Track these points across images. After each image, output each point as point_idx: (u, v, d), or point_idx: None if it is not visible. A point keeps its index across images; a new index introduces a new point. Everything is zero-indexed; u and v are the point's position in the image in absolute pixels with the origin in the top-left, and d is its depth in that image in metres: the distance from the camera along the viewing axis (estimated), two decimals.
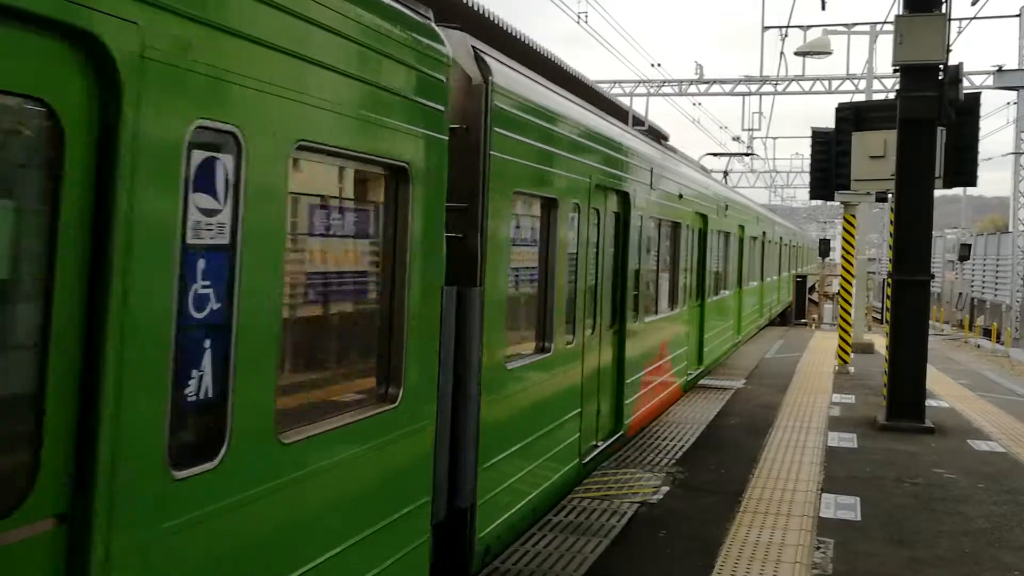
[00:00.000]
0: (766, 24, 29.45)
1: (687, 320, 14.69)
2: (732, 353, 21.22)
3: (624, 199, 10.12)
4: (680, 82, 33.39)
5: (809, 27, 28.20)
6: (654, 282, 12.23)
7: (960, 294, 44.00)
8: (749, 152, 29.35)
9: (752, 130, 39.59)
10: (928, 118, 12.74)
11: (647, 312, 11.50)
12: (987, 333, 34.59)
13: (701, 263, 15.88)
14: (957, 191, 52.22)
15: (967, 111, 13.68)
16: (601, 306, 9.36)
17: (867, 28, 27.87)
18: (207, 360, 3.50)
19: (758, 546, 7.47)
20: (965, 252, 38.51)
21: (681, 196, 13.49)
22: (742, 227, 22.50)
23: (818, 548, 7.56)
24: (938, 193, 13.68)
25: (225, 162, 3.55)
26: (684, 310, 14.39)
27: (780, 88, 32.24)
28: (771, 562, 7.10)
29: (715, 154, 28.02)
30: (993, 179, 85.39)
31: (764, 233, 27.62)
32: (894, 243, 13.35)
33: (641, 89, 32.26)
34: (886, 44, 17.13)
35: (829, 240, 41.45)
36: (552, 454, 7.96)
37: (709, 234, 16.33)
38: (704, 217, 15.79)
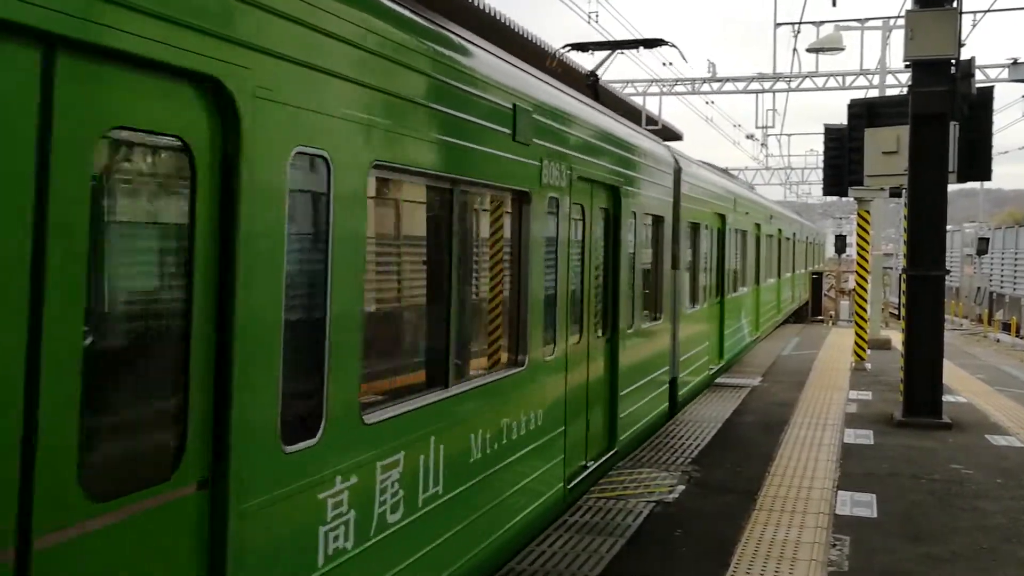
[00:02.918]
0: (778, 21, 29.25)
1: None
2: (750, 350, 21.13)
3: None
4: (693, 81, 33.34)
5: (822, 23, 28.06)
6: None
7: (978, 288, 43.74)
8: (652, 43, 14.16)
9: (766, 127, 39.52)
10: (940, 113, 12.70)
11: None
12: (1006, 327, 34.39)
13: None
14: (975, 185, 51.87)
15: (980, 105, 13.60)
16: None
17: (879, 23, 27.75)
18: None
19: (774, 544, 7.49)
20: (983, 246, 38.30)
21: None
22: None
23: (834, 545, 7.57)
24: (955, 187, 13.62)
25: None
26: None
27: (793, 85, 32.13)
28: (787, 560, 7.11)
29: (580, 47, 13.40)
30: (1011, 172, 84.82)
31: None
32: (908, 239, 13.31)
33: (654, 88, 32.23)
34: (899, 39, 17.09)
35: (845, 236, 41.33)
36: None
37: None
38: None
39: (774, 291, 27.28)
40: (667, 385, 12.34)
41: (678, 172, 12.83)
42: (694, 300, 14.40)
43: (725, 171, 21.78)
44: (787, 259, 31.12)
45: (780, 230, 28.15)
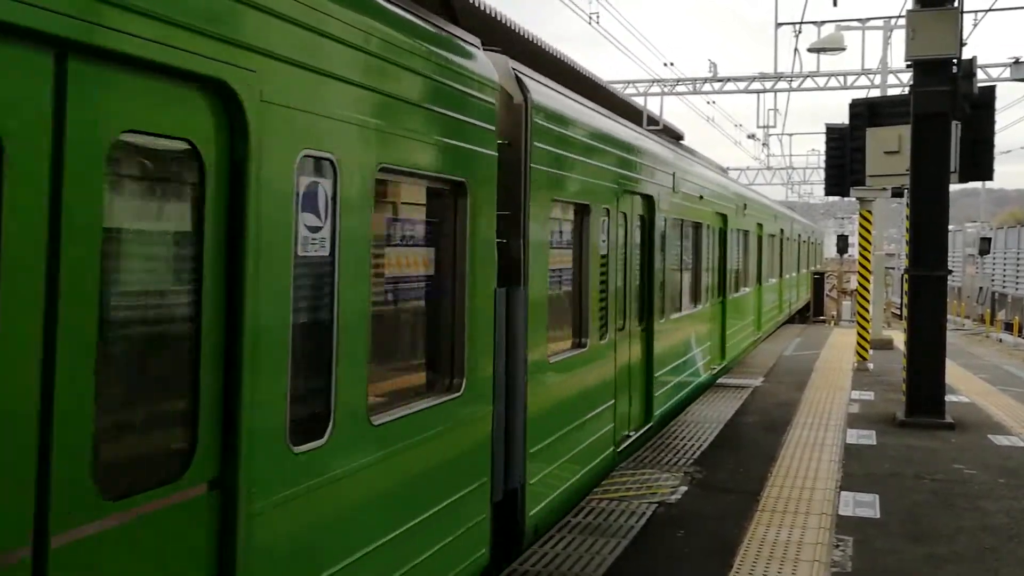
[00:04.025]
0: (780, 21, 29.23)
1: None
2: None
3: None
4: (694, 80, 33.33)
5: (823, 23, 28.04)
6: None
7: (980, 288, 43.73)
8: None
9: (768, 127, 39.50)
10: (942, 113, 12.69)
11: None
12: (1008, 327, 34.34)
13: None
14: (977, 184, 51.89)
15: (982, 105, 13.60)
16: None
17: (881, 23, 27.73)
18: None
19: (776, 545, 7.48)
20: (985, 246, 38.24)
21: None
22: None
23: (837, 546, 7.56)
24: (957, 186, 13.60)
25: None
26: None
27: (795, 85, 32.12)
28: (789, 561, 7.11)
29: None
30: (1013, 172, 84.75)
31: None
32: (910, 239, 13.30)
33: (655, 88, 32.21)
34: (900, 39, 17.05)
35: (847, 236, 41.31)
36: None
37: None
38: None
39: (752, 302, 21.32)
40: (484, 516, 6.31)
41: (523, 107, 7.06)
42: (579, 335, 8.64)
43: (678, 140, 15.90)
44: (771, 261, 25.04)
45: (760, 225, 22.13)
